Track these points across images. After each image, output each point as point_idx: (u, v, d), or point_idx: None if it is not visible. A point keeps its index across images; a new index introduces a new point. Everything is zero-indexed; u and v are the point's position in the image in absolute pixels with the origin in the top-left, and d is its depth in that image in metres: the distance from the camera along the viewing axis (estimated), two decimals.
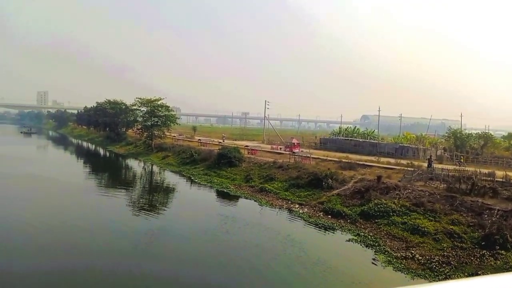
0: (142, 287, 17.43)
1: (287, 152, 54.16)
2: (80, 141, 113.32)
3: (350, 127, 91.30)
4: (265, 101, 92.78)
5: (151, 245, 23.07)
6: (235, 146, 54.96)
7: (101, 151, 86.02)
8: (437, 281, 17.91)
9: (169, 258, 20.83)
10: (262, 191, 37.23)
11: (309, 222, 28.08)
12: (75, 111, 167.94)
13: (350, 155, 49.33)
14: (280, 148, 62.26)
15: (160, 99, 74.25)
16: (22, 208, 30.01)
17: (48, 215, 28.88)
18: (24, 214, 28.07)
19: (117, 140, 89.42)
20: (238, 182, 41.76)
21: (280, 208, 32.05)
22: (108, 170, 59.09)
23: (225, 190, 39.19)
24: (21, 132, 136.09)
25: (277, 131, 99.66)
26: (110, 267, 19.10)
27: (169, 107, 77.08)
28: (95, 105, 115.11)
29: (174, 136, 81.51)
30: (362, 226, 26.50)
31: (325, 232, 26.31)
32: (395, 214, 26.60)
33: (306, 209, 31.17)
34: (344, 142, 65.35)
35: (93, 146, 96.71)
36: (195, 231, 25.72)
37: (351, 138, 69.32)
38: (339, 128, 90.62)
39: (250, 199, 35.51)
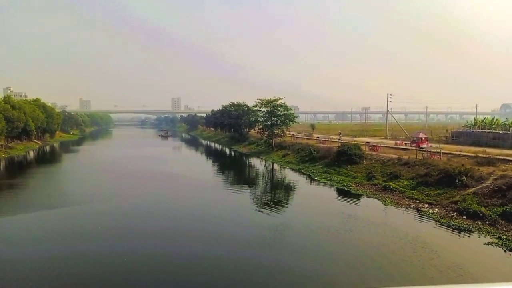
0: (269, 277, 17.93)
1: (413, 148, 50.54)
2: (208, 142, 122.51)
3: (488, 117, 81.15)
4: (387, 94, 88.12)
5: (275, 239, 23.78)
6: (355, 142, 53.36)
7: (227, 151, 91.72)
8: None
9: (292, 253, 21.16)
10: (385, 190, 35.45)
11: (440, 223, 25.83)
12: (204, 115, 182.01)
13: (488, 149, 43.79)
14: (405, 144, 58.45)
15: (279, 99, 76.09)
16: (161, 201, 33.77)
17: (181, 207, 31.96)
18: (163, 207, 31.51)
19: (241, 140, 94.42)
20: (359, 180, 40.46)
21: (406, 208, 30.11)
22: (233, 168, 62.77)
23: (345, 188, 38.36)
24: (159, 135, 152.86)
25: (401, 125, 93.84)
26: (240, 257, 20.25)
27: (287, 106, 78.47)
28: (220, 108, 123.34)
29: (293, 135, 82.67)
30: (504, 229, 23.39)
31: (459, 234, 23.91)
32: None
33: (436, 209, 28.71)
34: (480, 135, 58.38)
35: (220, 146, 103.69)
36: (316, 228, 25.72)
37: (489, 130, 61.63)
38: (474, 119, 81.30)
39: (372, 198, 34.13)
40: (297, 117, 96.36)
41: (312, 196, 37.69)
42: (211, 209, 31.27)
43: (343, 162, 46.13)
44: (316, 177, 45.48)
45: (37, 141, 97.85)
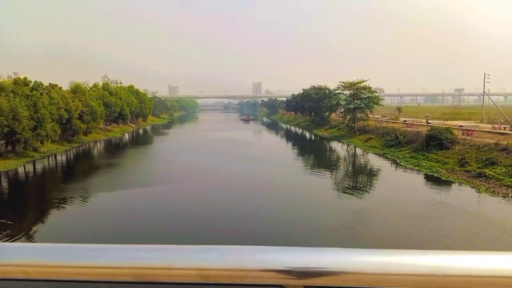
0: None
1: None
2: (288, 126, 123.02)
3: None
4: (484, 74, 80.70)
5: (358, 223, 23.45)
6: (447, 126, 49.91)
7: (307, 135, 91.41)
8: None
9: (375, 238, 20.72)
10: (480, 177, 32.86)
11: None
12: (284, 99, 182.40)
13: None
14: (504, 128, 53.34)
15: (363, 81, 73.54)
16: (244, 183, 34.99)
17: (262, 189, 32.74)
18: (245, 188, 32.69)
19: (322, 124, 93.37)
20: (451, 166, 37.93)
21: (504, 197, 27.73)
22: (314, 152, 62.49)
23: (434, 175, 36.28)
24: (241, 119, 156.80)
25: (500, 108, 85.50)
26: (321, 242, 20.39)
27: (371, 88, 75.58)
28: (301, 92, 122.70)
29: (377, 118, 79.59)
30: None
31: None
32: None
33: None
34: None
35: (300, 130, 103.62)
36: (402, 214, 24.82)
37: None
38: None
39: (465, 185, 31.92)
40: (382, 100, 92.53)
41: (398, 182, 36.28)
42: (290, 193, 31.63)
43: (432, 147, 43.53)
44: (402, 162, 43.59)
45: (131, 125, 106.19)
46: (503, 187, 29.80)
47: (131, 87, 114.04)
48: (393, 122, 72.30)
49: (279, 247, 0.86)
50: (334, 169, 44.99)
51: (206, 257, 0.81)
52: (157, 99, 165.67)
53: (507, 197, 27.56)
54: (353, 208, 26.83)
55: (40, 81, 58.87)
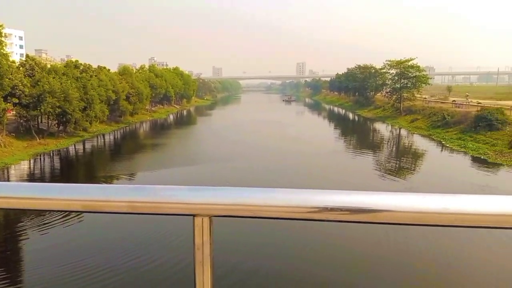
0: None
1: None
2: (331, 107, 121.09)
3: None
4: None
5: None
6: (499, 106, 47.23)
7: (350, 115, 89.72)
8: None
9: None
10: None
11: None
12: (328, 79, 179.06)
13: None
14: None
15: (411, 59, 70.66)
16: (284, 165, 35.10)
17: (302, 170, 32.71)
18: (286, 169, 32.87)
19: (366, 104, 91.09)
20: (500, 148, 36.10)
21: None
22: (357, 133, 61.41)
23: (481, 157, 34.75)
24: (283, 100, 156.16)
25: None
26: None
27: (420, 67, 72.46)
28: (345, 72, 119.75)
29: (425, 98, 76.44)
30: None
31: None
32: None
33: None
34: None
35: (343, 111, 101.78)
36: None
37: None
38: None
39: None
40: (431, 78, 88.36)
41: (442, 164, 35.09)
42: (330, 173, 31.48)
43: (481, 128, 41.51)
44: (448, 143, 41.99)
45: (176, 106, 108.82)
46: None
47: (176, 69, 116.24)
48: (441, 102, 69.13)
49: (191, 186, 1.06)
50: (375, 151, 44.06)
51: (138, 194, 1.08)
52: (200, 81, 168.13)
53: None
54: (395, 189, 26.32)
55: (89, 64, 61.58)
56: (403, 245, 17.10)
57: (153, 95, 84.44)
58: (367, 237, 17.46)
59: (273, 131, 57.40)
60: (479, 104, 57.01)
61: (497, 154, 34.72)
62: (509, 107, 49.05)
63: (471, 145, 39.05)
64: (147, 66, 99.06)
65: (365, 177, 30.08)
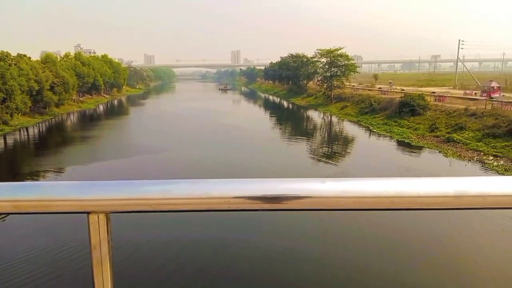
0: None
1: (483, 98, 47.11)
2: (266, 95, 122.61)
3: None
4: (459, 40, 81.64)
5: None
6: (420, 93, 50.74)
7: (285, 104, 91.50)
8: None
9: None
10: (448, 142, 33.95)
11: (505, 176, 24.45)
12: (263, 67, 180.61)
13: None
14: (475, 94, 54.62)
15: (340, 49, 73.37)
16: (221, 152, 34.93)
17: (238, 155, 32.75)
18: (223, 155, 32.72)
19: (299, 92, 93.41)
20: (421, 132, 38.92)
21: (469, 160, 28.82)
22: (290, 121, 62.85)
23: (405, 141, 37.20)
24: (219, 89, 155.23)
25: (473, 75, 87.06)
26: None
27: (349, 56, 75.55)
28: (279, 60, 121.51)
29: (354, 86, 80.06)
30: None
31: None
32: None
33: (502, 162, 27.18)
34: None
35: (277, 99, 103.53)
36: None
37: None
38: None
39: (434, 150, 32.87)
40: (358, 67, 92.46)
41: (370, 148, 37.03)
42: (267, 158, 31.84)
43: (405, 113, 44.37)
44: (375, 129, 44.41)
45: (105, 96, 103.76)
46: (469, 151, 30.88)
47: (104, 56, 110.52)
48: (368, 90, 72.89)
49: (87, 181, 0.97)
50: (310, 137, 45.47)
51: (22, 191, 0.97)
52: (132, 69, 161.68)
53: (472, 161, 28.63)
54: (328, 173, 27.32)
55: (7, 51, 56.48)
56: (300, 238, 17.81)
57: (80, 84, 79.72)
58: (287, 227, 17.92)
59: (210, 121, 56.93)
60: (402, 91, 60.88)
61: (419, 137, 37.39)
62: (429, 93, 52.94)
63: (396, 129, 41.63)
64: (72, 54, 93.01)
65: (300, 163, 30.87)
